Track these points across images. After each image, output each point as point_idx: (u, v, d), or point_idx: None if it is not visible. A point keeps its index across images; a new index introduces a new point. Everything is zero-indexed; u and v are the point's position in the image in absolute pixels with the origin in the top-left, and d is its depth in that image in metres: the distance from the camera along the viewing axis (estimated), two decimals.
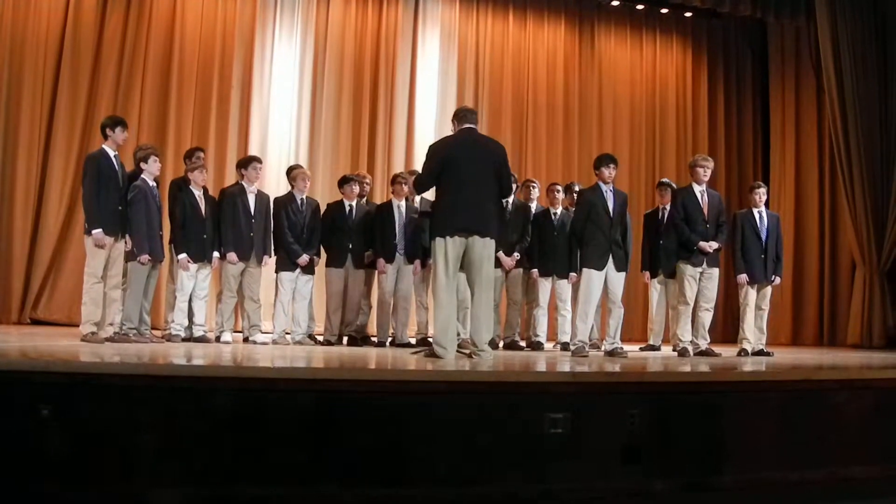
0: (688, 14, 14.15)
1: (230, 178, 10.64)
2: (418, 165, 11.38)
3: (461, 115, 7.08)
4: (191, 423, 4.51)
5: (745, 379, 6.06)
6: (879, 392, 5.96)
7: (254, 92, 12.07)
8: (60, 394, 4.42)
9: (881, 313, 12.08)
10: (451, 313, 6.73)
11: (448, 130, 12.20)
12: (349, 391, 4.76)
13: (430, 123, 12.82)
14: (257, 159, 9.04)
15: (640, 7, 14.03)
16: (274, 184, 10.82)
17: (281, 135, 12.17)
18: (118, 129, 7.56)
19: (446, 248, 6.64)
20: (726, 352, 8.75)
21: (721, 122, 14.37)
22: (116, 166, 7.53)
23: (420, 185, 7.21)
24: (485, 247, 6.71)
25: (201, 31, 11.91)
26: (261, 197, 8.80)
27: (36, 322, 10.75)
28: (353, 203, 9.15)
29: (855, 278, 12.50)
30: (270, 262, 8.84)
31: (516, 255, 9.25)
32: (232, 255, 8.45)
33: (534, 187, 9.85)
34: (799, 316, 13.30)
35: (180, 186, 8.54)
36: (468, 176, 6.70)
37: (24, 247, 10.89)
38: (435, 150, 6.96)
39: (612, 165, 8.03)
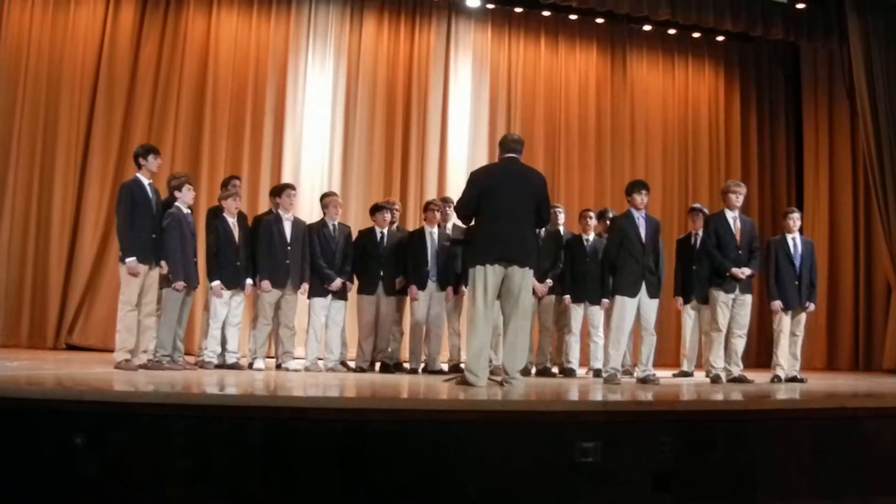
0: (720, 38, 14.10)
1: (263, 206, 10.72)
2: (451, 191, 11.44)
3: (506, 143, 7.04)
4: (222, 451, 4.53)
5: (778, 407, 5.99)
6: None
7: (287, 119, 12.19)
8: (94, 422, 4.45)
9: None
10: (485, 341, 6.72)
11: (479, 156, 12.36)
12: (380, 420, 4.76)
13: (462, 149, 12.85)
14: (291, 186, 9.08)
15: (671, 31, 14.00)
16: (307, 211, 10.85)
17: (314, 162, 12.26)
18: (151, 157, 7.59)
19: (486, 276, 6.63)
20: (759, 378, 8.68)
21: (754, 146, 14.30)
22: (150, 194, 7.55)
23: (460, 211, 7.10)
24: (524, 276, 6.69)
25: (234, 60, 12.08)
26: (297, 224, 8.83)
27: (71, 347, 10.90)
28: (385, 230, 9.16)
29: (891, 303, 12.35)
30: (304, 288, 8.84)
31: (549, 281, 9.24)
32: (266, 283, 8.49)
33: (559, 212, 9.63)
34: (834, 341, 13.17)
35: (215, 213, 8.61)
36: (508, 205, 6.69)
37: (59, 273, 11.08)
38: (475, 178, 6.96)
39: (643, 192, 8.00)
